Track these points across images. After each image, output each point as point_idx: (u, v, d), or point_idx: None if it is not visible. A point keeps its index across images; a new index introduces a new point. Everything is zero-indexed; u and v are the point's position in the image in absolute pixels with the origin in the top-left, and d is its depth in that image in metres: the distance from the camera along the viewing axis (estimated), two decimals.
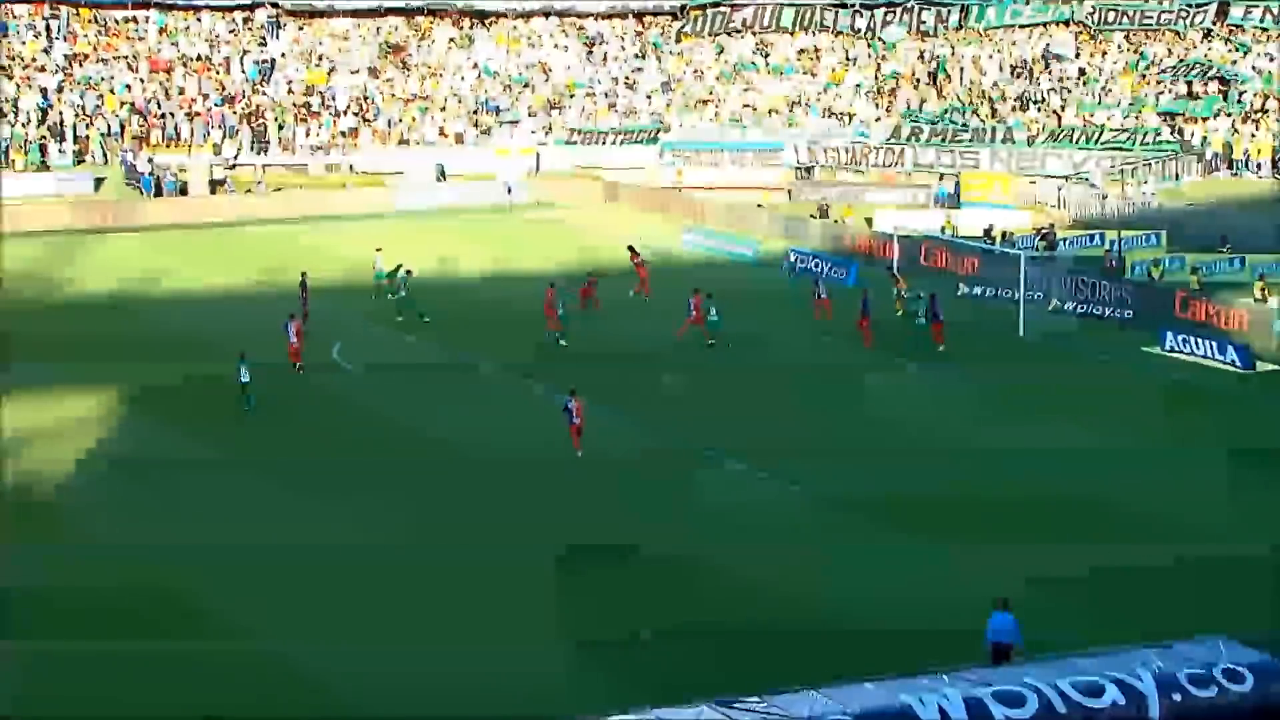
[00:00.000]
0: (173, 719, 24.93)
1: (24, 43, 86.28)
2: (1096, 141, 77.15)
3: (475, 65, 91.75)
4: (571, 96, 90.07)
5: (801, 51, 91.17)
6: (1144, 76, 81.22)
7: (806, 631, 27.78)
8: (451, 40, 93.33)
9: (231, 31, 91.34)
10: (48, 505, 34.44)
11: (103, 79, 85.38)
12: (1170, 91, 79.32)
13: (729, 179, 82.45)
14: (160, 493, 35.33)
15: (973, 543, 31.92)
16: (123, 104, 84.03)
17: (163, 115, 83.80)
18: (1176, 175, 74.02)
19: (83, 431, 39.67)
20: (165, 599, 29.14)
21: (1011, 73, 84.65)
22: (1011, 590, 26.42)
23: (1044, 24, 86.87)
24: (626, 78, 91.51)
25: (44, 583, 29.73)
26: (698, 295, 49.41)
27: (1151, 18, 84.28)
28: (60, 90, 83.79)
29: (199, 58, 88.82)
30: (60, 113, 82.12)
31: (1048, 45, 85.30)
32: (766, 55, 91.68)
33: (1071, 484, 35.71)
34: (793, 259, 62.34)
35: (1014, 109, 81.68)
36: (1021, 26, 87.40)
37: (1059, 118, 79.94)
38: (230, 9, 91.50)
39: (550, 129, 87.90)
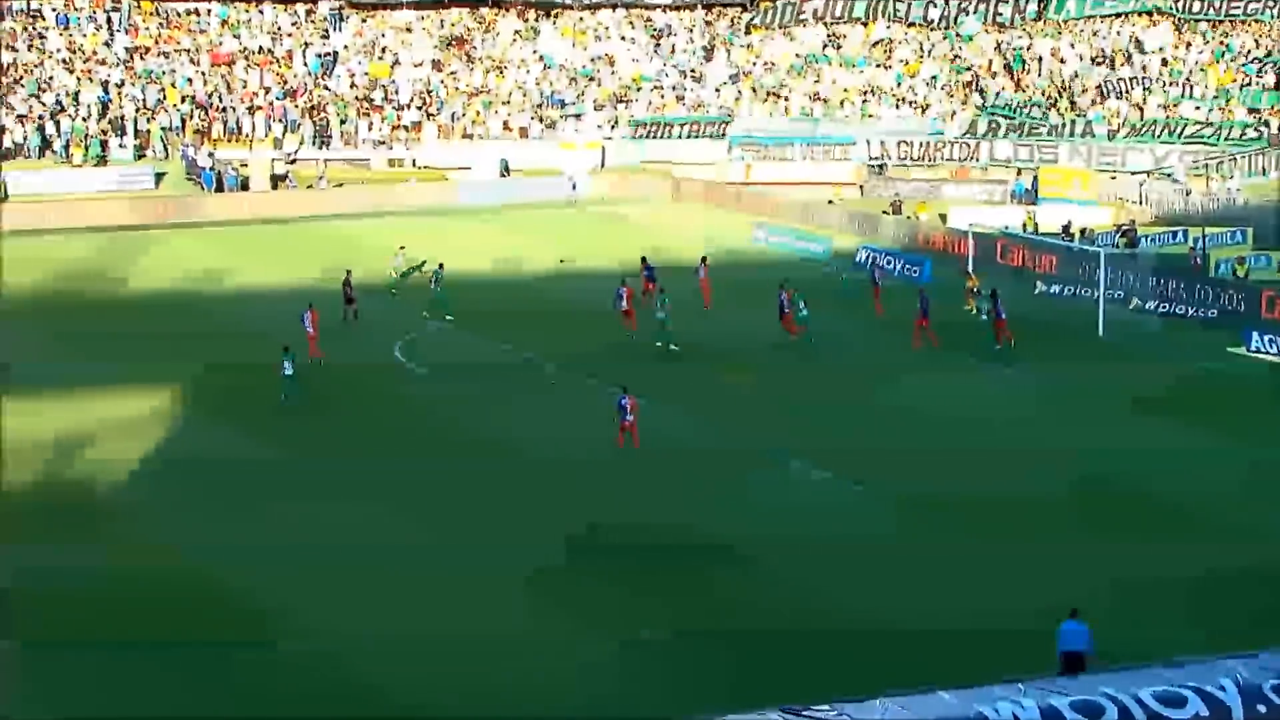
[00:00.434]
0: (228, 718, 25.17)
1: (85, 35, 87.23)
2: (1180, 135, 76.42)
3: (540, 58, 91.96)
4: (638, 90, 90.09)
5: (875, 43, 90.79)
6: (1230, 68, 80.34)
7: (872, 635, 27.77)
8: (516, 32, 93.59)
9: (294, 24, 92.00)
10: (107, 504, 34.82)
11: (164, 72, 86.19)
12: (1257, 83, 78.43)
13: (799, 174, 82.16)
14: (219, 492, 35.62)
15: (1048, 546, 31.76)
16: (184, 98, 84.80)
17: (224, 109, 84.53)
18: (1263, 170, 73.17)
19: (142, 430, 40.06)
20: (223, 598, 29.43)
21: (1092, 64, 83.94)
22: (1091, 595, 26.24)
23: (1126, 14, 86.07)
24: (694, 70, 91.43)
25: (103, 582, 30.05)
26: (786, 291, 49.56)
27: (1239, 7, 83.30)
28: (121, 84, 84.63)
29: (261, 50, 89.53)
30: (121, 107, 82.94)
31: (1131, 35, 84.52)
32: (839, 47, 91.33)
33: (1154, 486, 35.44)
34: (832, 263, 61.84)
35: (1094, 102, 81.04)
36: (1103, 17, 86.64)
37: (1141, 111, 79.21)
38: (293, 1, 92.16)
39: (616, 123, 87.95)
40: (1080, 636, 24.88)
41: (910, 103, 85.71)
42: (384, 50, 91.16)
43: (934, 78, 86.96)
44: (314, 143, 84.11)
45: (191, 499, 35.22)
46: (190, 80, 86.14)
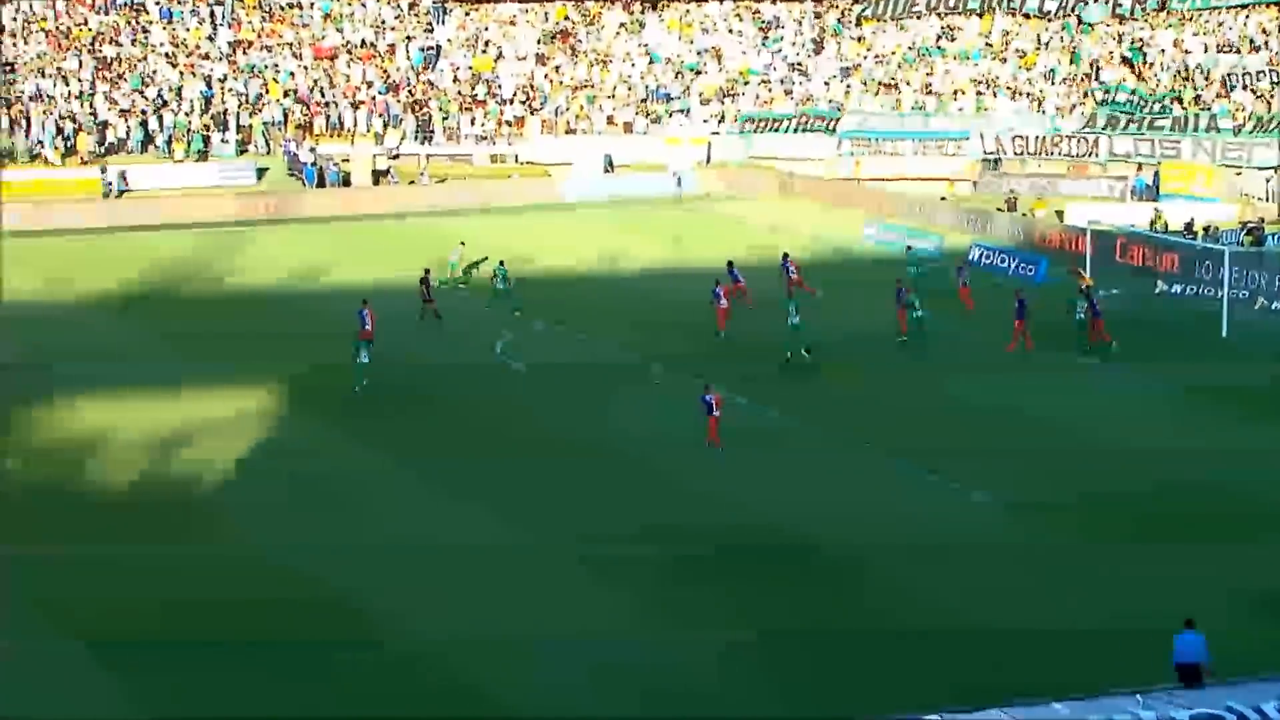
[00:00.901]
0: (329, 718, 25.47)
1: (188, 29, 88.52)
2: None
3: (645, 51, 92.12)
4: (745, 83, 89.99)
5: (990, 35, 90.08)
6: None
7: (979, 642, 27.61)
8: (621, 25, 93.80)
9: (397, 17, 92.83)
10: (207, 504, 35.31)
11: (266, 66, 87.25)
12: None
13: (910, 169, 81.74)
14: (319, 492, 36.00)
15: (1164, 552, 31.42)
16: (286, 92, 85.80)
17: (326, 103, 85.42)
18: None
19: (244, 429, 40.58)
20: (323, 599, 29.76)
21: (1217, 55, 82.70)
22: (1206, 604, 25.93)
23: (1253, 3, 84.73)
24: (803, 63, 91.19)
25: (203, 581, 30.49)
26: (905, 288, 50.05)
27: None
28: (224, 79, 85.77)
29: (363, 44, 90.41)
30: (224, 101, 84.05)
31: (1259, 25, 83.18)
32: (953, 39, 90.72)
33: (1275, 493, 34.90)
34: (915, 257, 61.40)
35: (1218, 95, 79.82)
36: (1228, 8, 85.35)
37: (1268, 104, 77.93)
38: None
39: (723, 117, 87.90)
40: (1197, 648, 24.55)
41: (1026, 96, 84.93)
42: (487, 44, 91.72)
43: (1051, 70, 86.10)
44: (416, 138, 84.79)
45: (292, 499, 35.62)
46: (292, 74, 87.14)
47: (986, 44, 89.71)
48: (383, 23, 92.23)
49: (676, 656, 27.32)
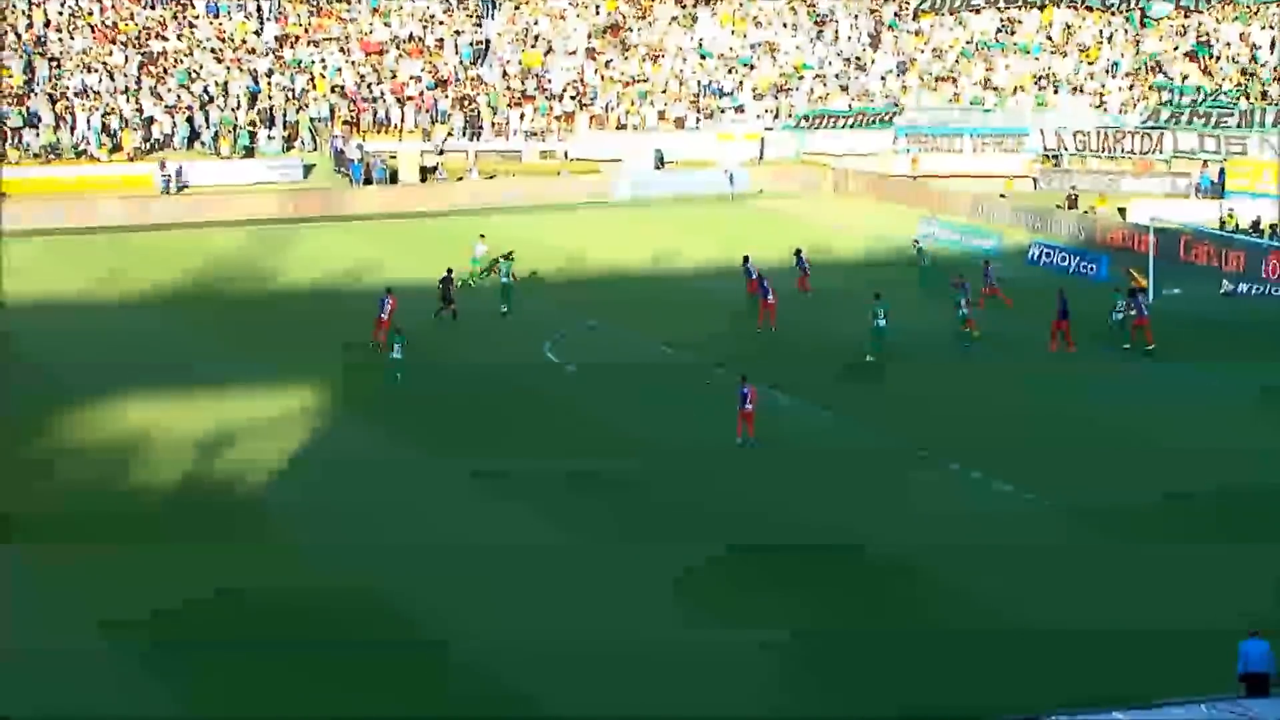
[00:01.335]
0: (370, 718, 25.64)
1: (235, 24, 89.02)
2: None
3: (698, 45, 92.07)
4: (800, 79, 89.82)
5: (1050, 28, 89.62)
6: None
7: (1031, 645, 27.58)
8: (673, 19, 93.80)
9: (445, 11, 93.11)
10: (252, 504, 35.49)
11: (313, 62, 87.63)
12: None
13: (969, 166, 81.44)
14: (363, 492, 36.18)
15: (1222, 553, 31.27)
16: (333, 88, 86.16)
17: (373, 99, 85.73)
18: None
19: (288, 429, 40.79)
20: (370, 600, 29.88)
21: None
22: (1272, 609, 25.75)
23: None
24: (858, 58, 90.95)
25: (247, 583, 30.66)
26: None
27: None
28: (270, 74, 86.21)
29: (411, 38, 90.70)
30: (270, 97, 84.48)
31: None
32: (1012, 32, 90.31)
33: None
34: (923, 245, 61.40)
35: None
36: None
37: None
38: None
39: (776, 113, 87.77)
40: (1263, 656, 24.38)
41: (1088, 91, 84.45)
42: (537, 38, 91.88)
43: (1114, 65, 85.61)
44: (464, 134, 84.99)
45: (336, 499, 35.79)
46: (339, 70, 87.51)
47: (1047, 38, 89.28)
48: (431, 17, 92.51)
49: (721, 658, 27.36)
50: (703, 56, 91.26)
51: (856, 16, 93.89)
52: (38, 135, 77.94)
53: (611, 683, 26.59)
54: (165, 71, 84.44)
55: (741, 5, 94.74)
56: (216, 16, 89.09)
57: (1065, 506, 34.43)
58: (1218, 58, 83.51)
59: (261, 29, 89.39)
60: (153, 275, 59.56)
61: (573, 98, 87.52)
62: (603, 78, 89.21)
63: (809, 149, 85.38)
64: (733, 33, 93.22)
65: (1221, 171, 75.02)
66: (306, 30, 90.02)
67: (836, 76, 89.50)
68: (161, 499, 35.64)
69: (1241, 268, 57.70)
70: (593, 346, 49.70)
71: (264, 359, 47.53)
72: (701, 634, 28.36)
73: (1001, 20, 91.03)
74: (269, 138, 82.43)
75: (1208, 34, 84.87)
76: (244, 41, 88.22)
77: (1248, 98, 79.59)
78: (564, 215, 73.90)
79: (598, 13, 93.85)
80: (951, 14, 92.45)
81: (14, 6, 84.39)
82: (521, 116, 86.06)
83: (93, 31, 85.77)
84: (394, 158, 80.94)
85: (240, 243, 67.08)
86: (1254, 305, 54.33)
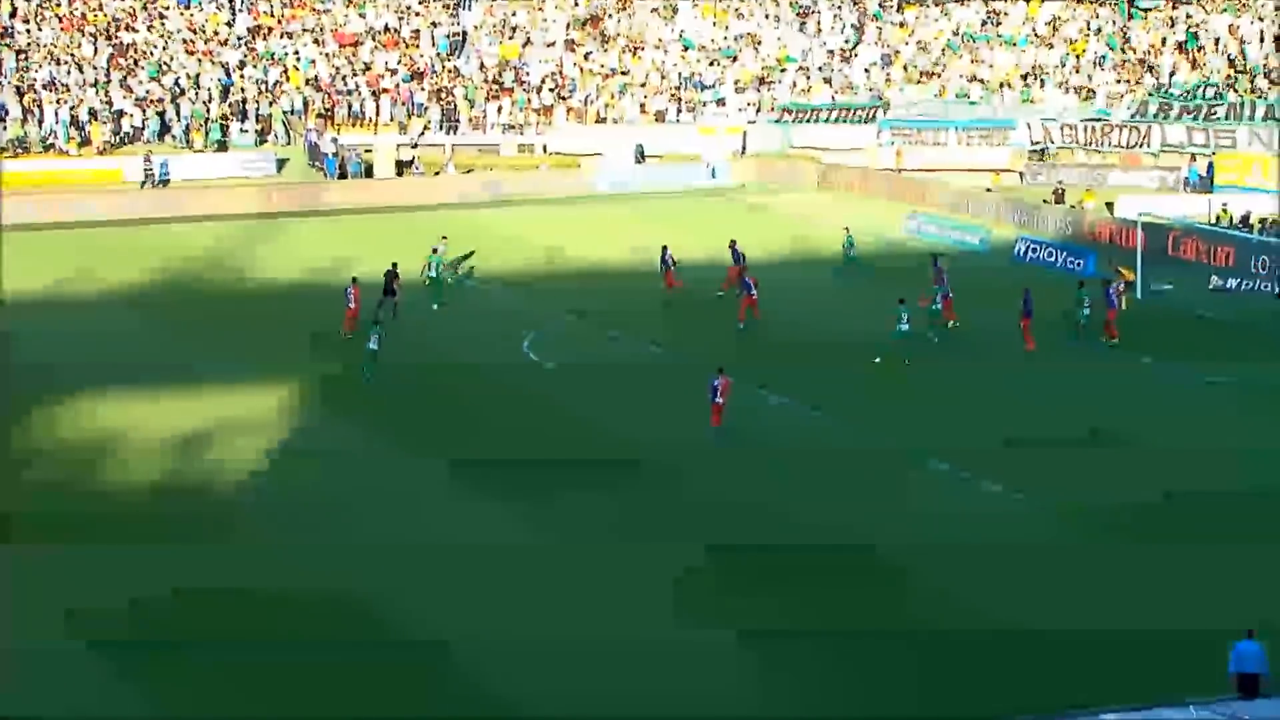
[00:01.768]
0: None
1: (206, 15, 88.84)
2: None
3: (679, 37, 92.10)
4: (783, 71, 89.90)
5: (1037, 20, 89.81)
6: None
7: (1023, 646, 27.63)
8: (654, 10, 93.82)
9: (421, 2, 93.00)
10: (226, 504, 35.44)
11: (286, 54, 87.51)
12: None
13: (954, 160, 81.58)
14: (340, 491, 36.17)
15: (1219, 554, 31.39)
16: (306, 80, 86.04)
17: (348, 92, 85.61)
18: None
19: (263, 427, 40.77)
20: (345, 602, 29.86)
21: (1275, 43, 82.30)
22: (1270, 611, 25.85)
23: None
24: (843, 50, 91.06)
25: (219, 583, 30.65)
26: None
27: None
28: (242, 66, 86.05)
29: (386, 30, 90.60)
30: (242, 90, 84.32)
31: None
32: (998, 24, 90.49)
33: None
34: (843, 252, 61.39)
35: (1274, 82, 79.42)
36: None
37: None
38: None
39: (759, 106, 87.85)
40: (1256, 658, 24.48)
41: (1075, 85, 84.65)
42: (515, 30, 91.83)
43: (1102, 57, 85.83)
44: (441, 127, 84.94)
45: (315, 498, 35.77)
46: (313, 62, 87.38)
47: (1033, 30, 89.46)
48: (406, 8, 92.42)
49: (705, 658, 27.43)
50: (685, 48, 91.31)
51: (840, 8, 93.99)
52: (4, 129, 77.74)
53: (594, 683, 26.60)
54: (135, 64, 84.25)
55: None
56: (187, 7, 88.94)
57: (1054, 507, 34.53)
58: (1205, 50, 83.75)
59: (233, 20, 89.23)
60: (124, 272, 59.46)
61: (551, 90, 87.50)
62: (582, 70, 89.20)
63: (793, 142, 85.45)
64: (714, 24, 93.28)
65: (1210, 165, 75.25)
66: (279, 21, 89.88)
67: (820, 69, 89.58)
68: (134, 498, 35.58)
69: (1231, 263, 57.91)
70: (571, 344, 49.71)
71: (239, 356, 47.45)
72: (685, 634, 28.40)
73: (987, 12, 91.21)
74: (242, 131, 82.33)
75: (1197, 26, 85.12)
76: (215, 33, 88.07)
77: (1236, 91, 79.86)
78: (543, 210, 73.87)
79: (576, 4, 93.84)
80: (937, 5, 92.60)
81: None
82: (499, 110, 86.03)
83: (61, 23, 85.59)
84: (369, 152, 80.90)
85: (214, 238, 66.92)
86: (1243, 301, 54.50)
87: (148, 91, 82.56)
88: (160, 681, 26.86)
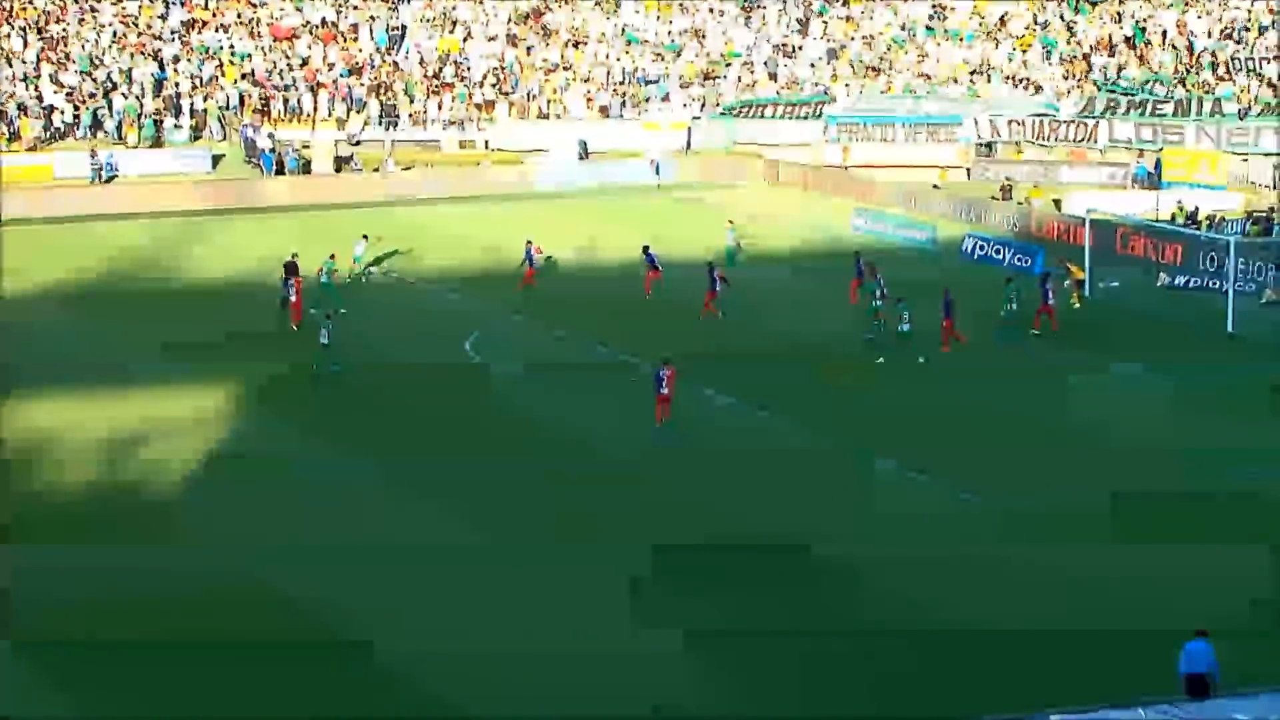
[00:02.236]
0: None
1: (138, 8, 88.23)
2: None
3: (622, 31, 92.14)
4: (727, 66, 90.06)
5: (984, 14, 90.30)
6: None
7: (968, 649, 27.78)
8: (597, 4, 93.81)
9: None
10: (160, 505, 35.29)
11: (221, 47, 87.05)
12: None
13: (901, 156, 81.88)
14: (275, 491, 36.09)
15: (1176, 555, 31.61)
16: (242, 75, 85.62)
17: (285, 87, 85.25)
18: None
19: (200, 427, 40.59)
20: (281, 603, 29.80)
21: (1221, 37, 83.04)
22: (1224, 613, 26.06)
23: None
24: (787, 45, 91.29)
25: (156, 586, 30.51)
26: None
27: None
28: (176, 60, 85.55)
29: (324, 24, 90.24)
30: (176, 84, 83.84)
31: (1267, 5, 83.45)
32: (944, 19, 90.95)
33: None
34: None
35: (1223, 78, 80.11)
36: None
37: (1275, 88, 78.24)
38: None
39: (704, 102, 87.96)
40: (1205, 658, 24.66)
41: (1022, 80, 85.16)
42: (455, 23, 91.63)
43: (1049, 52, 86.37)
44: (380, 123, 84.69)
45: (249, 499, 35.63)
46: (249, 56, 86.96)
47: (980, 24, 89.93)
48: (345, 1, 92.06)
49: (649, 659, 27.44)
50: (629, 42, 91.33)
51: (785, 2, 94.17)
52: None
53: (534, 685, 26.59)
54: (66, 57, 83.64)
55: None
56: (119, 0, 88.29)
57: (1002, 506, 34.74)
58: (1153, 45, 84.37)
59: (167, 13, 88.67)
60: (56, 270, 59.07)
61: (493, 85, 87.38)
62: (524, 65, 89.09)
63: (738, 138, 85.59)
64: (658, 18, 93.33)
65: (1158, 161, 75.79)
66: (214, 14, 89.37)
67: (765, 64, 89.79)
68: (68, 499, 35.40)
69: (1179, 260, 58.32)
70: (513, 344, 49.66)
71: (173, 356, 47.23)
72: (630, 635, 28.42)
73: (933, 6, 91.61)
74: (176, 127, 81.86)
75: (1144, 21, 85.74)
76: (148, 26, 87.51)
77: (1184, 86, 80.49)
78: (485, 207, 73.76)
79: None
80: (882, 0, 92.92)
81: None
82: (440, 105, 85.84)
83: None
84: (307, 147, 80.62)
85: (146, 236, 66.54)
86: (1191, 299, 54.90)
87: (79, 85, 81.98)
88: (88, 682, 26.77)
